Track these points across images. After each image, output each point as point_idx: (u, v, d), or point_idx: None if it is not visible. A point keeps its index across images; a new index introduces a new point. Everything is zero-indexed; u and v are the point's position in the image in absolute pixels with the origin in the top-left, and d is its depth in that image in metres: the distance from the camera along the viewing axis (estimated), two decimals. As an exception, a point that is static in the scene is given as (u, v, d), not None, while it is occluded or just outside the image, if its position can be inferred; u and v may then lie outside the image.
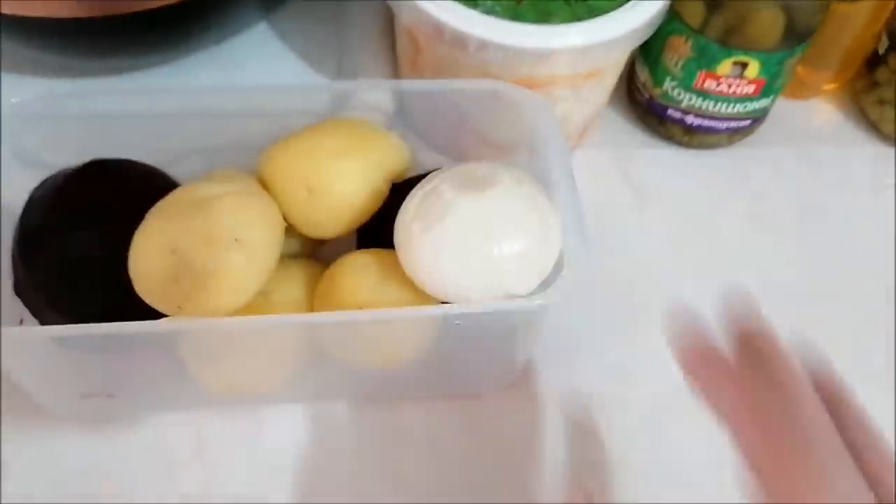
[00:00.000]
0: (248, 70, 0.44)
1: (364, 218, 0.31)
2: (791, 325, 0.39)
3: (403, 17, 0.35)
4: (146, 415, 0.33)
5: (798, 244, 0.42)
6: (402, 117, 0.39)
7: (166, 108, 0.36)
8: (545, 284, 0.29)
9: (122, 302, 0.28)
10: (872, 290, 0.41)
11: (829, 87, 0.47)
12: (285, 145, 0.31)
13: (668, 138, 0.44)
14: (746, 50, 0.37)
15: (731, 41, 0.37)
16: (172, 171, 0.35)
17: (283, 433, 0.34)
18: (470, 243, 0.27)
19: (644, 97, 0.43)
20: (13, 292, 0.30)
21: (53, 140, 0.34)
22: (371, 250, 0.30)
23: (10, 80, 0.42)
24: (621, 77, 0.44)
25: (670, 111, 0.42)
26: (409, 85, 0.37)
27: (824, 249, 0.42)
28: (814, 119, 0.46)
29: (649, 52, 0.41)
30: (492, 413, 0.36)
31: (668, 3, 0.36)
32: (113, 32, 0.36)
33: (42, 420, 0.33)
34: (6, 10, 0.33)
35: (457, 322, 0.28)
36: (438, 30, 0.34)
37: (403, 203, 0.29)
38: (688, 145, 0.43)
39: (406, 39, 0.38)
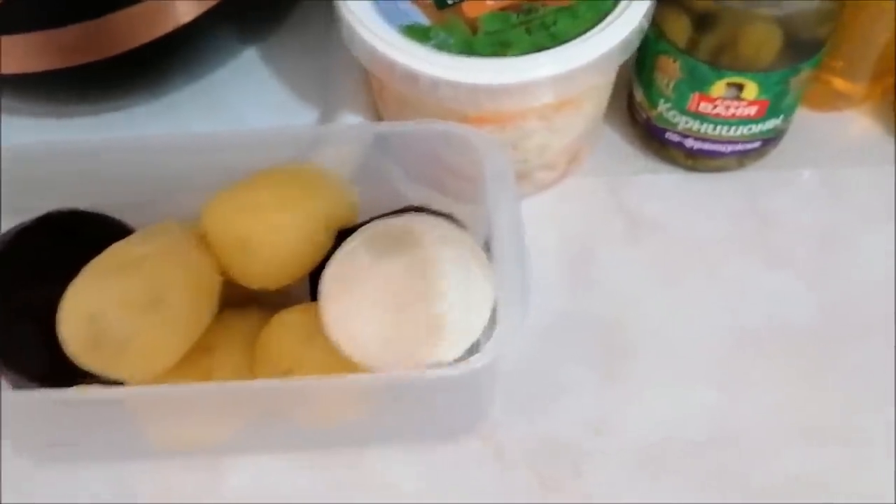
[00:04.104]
0: (232, 103, 0.43)
1: (304, 269, 0.30)
2: (807, 374, 0.36)
3: (355, 53, 0.34)
4: (112, 461, 0.34)
5: (817, 281, 0.37)
6: (380, 149, 0.38)
7: (143, 147, 0.36)
8: (476, 349, 0.27)
9: (67, 359, 0.29)
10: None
11: (868, 96, 0.42)
12: (220, 198, 0.30)
13: (671, 161, 0.40)
14: (740, 71, 0.33)
15: (722, 62, 0.33)
16: (147, 212, 0.35)
17: (242, 482, 0.33)
18: (381, 310, 0.25)
19: (642, 118, 0.39)
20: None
21: (25, 183, 0.35)
22: (302, 307, 0.29)
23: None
24: (621, 97, 0.41)
25: (668, 134, 0.38)
26: (354, 130, 0.36)
27: (848, 287, 0.37)
28: (846, 134, 0.41)
29: (642, 70, 0.38)
30: (455, 463, 0.34)
31: (644, 24, 0.32)
32: (87, 80, 0.37)
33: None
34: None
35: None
36: (389, 67, 0.32)
37: (329, 260, 0.27)
38: (692, 169, 0.40)
39: (369, 73, 0.37)
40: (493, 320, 0.27)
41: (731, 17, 0.32)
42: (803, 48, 0.33)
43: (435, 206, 0.33)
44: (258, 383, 0.27)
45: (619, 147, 0.41)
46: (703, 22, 0.33)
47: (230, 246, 0.30)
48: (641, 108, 0.39)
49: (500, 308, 0.26)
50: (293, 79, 0.44)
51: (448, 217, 0.33)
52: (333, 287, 0.26)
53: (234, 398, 0.29)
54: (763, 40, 0.33)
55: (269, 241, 0.29)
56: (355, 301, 0.25)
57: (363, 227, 0.27)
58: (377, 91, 0.37)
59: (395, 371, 0.25)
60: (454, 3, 0.33)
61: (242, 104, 0.44)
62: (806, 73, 0.34)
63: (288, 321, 0.29)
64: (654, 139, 0.39)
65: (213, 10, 0.35)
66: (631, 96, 0.40)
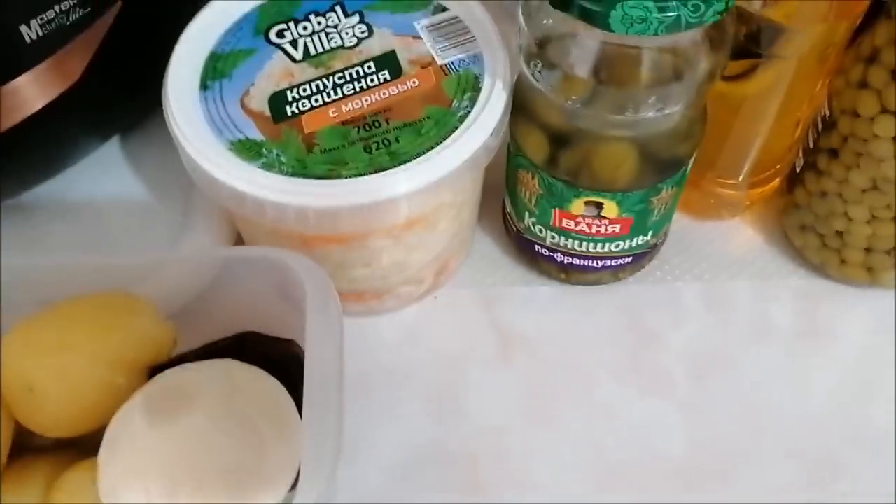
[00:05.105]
0: (92, 203, 0.40)
1: (103, 415, 0.27)
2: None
3: (187, 169, 0.31)
4: None
5: (695, 407, 0.35)
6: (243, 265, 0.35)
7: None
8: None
9: None
10: (788, 466, 0.33)
11: (751, 205, 0.40)
12: (12, 334, 0.27)
13: (546, 274, 0.38)
14: (598, 190, 0.31)
15: (579, 180, 0.31)
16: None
17: None
18: (153, 483, 0.22)
19: (513, 230, 0.37)
20: None
21: None
22: (91, 464, 0.26)
23: None
24: (497, 205, 0.39)
25: (538, 248, 0.36)
26: (164, 256, 0.33)
27: (728, 414, 0.35)
28: (728, 245, 0.39)
29: (508, 181, 0.36)
30: None
31: (491, 143, 0.30)
32: None
33: None
34: None
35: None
36: (215, 187, 0.29)
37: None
38: (566, 282, 0.38)
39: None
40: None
41: (586, 136, 0.31)
42: (663, 167, 0.31)
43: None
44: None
45: (495, 258, 0.39)
46: (558, 140, 0.31)
47: (16, 389, 0.26)
48: (512, 220, 0.37)
49: (301, 474, 0.23)
50: (158, 177, 0.42)
51: (284, 344, 0.30)
52: (107, 451, 0.23)
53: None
54: (619, 161, 0.31)
55: (53, 385, 0.26)
56: (127, 470, 0.22)
57: (150, 382, 0.24)
58: (223, 204, 0.35)
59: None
60: (293, 116, 0.31)
61: (103, 204, 0.41)
62: (669, 191, 0.32)
63: (73, 481, 0.25)
64: (526, 251, 0.37)
65: (53, 106, 0.32)
66: (504, 206, 0.38)
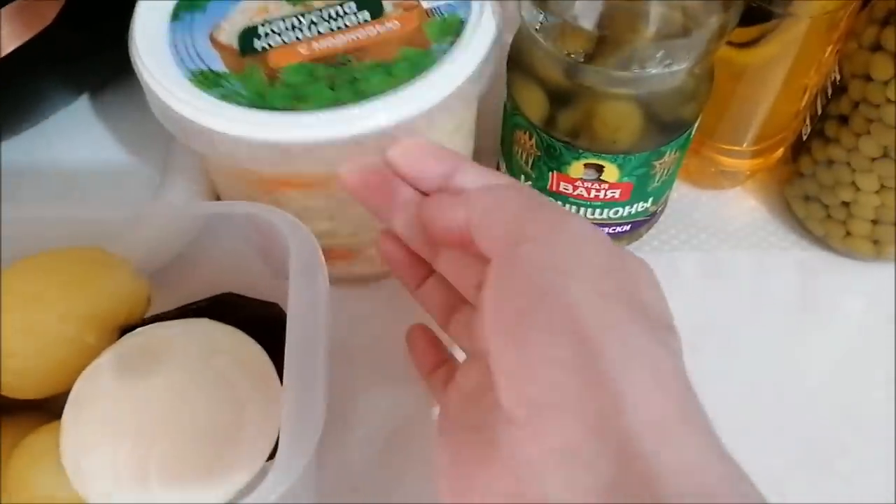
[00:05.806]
0: (62, 152, 0.37)
1: (71, 376, 0.24)
2: None
3: (148, 102, 0.28)
4: None
5: (691, 379, 0.33)
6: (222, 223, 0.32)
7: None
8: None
9: None
10: (785, 442, 0.31)
11: (752, 174, 0.38)
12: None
13: (535, 240, 0.35)
14: (598, 152, 0.29)
15: (579, 141, 0.29)
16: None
17: None
18: (119, 443, 0.19)
19: (503, 190, 0.35)
20: None
21: None
22: (56, 426, 0.23)
23: None
24: (491, 167, 0.36)
25: (528, 211, 0.34)
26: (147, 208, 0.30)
27: (724, 387, 0.32)
28: (727, 215, 0.37)
29: (503, 143, 0.33)
30: None
31: (469, 90, 0.27)
32: None
33: None
34: None
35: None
36: (167, 116, 0.27)
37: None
38: (556, 249, 0.35)
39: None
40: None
41: (587, 95, 0.28)
42: (666, 129, 0.29)
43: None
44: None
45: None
46: (558, 98, 0.28)
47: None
48: (501, 180, 0.34)
49: (281, 439, 0.20)
50: (136, 137, 0.39)
51: (265, 307, 0.28)
52: (72, 411, 0.20)
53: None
54: (621, 121, 0.28)
55: (18, 341, 0.23)
56: (93, 430, 0.20)
57: (120, 340, 0.22)
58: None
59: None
60: (262, 51, 0.28)
61: (79, 164, 0.38)
62: (672, 155, 0.30)
63: (35, 445, 0.23)
64: (514, 214, 0.35)
65: (26, 49, 0.29)
66: (498, 168, 0.36)
